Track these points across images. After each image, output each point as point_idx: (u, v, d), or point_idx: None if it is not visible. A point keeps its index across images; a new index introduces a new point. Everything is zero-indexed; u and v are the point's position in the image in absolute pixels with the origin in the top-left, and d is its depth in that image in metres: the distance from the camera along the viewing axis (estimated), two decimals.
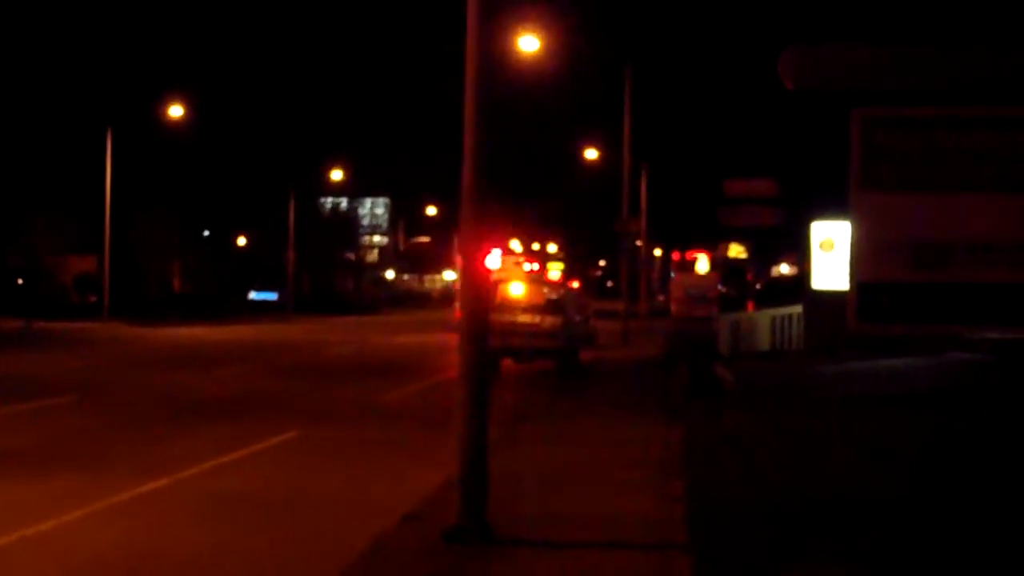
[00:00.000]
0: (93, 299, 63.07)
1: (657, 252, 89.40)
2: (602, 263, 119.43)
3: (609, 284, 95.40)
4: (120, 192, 58.00)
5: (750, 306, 43.41)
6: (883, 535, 9.85)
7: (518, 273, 34.99)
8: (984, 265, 8.25)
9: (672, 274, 66.59)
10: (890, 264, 8.33)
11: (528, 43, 38.27)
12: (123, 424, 19.16)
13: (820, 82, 8.56)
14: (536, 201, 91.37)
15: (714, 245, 68.63)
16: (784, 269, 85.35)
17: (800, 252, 47.94)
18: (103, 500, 12.50)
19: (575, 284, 48.06)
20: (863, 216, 8.44)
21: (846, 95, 8.60)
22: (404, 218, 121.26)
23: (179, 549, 10.68)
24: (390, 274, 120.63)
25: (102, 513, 12.03)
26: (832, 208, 26.11)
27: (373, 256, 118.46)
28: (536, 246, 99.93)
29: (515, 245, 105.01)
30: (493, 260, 42.78)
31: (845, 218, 8.73)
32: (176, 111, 60.17)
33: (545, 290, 33.38)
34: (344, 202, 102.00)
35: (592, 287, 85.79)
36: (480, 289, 10.71)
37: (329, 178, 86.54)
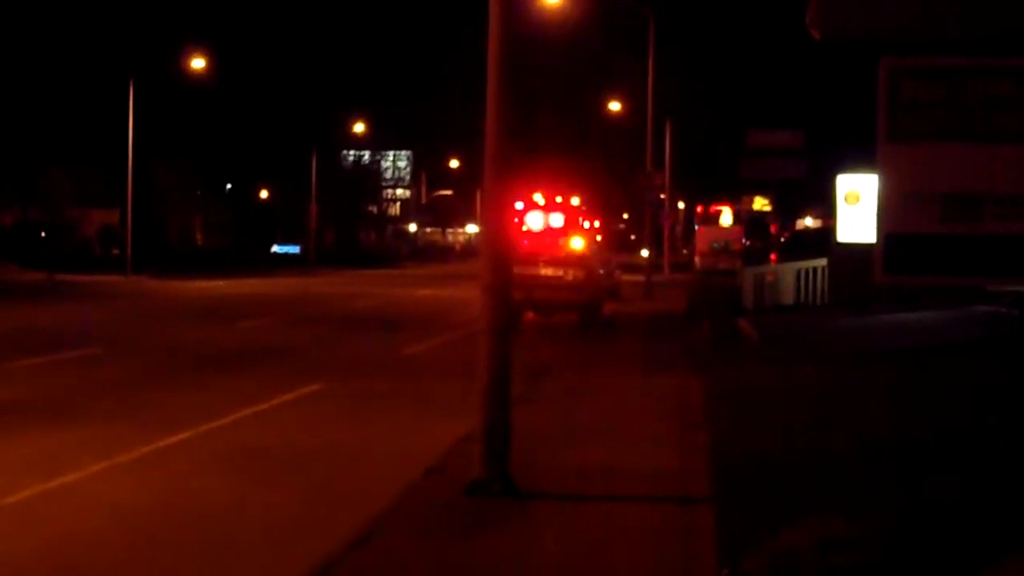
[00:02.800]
0: (116, 252, 63.25)
1: (681, 205, 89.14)
2: (626, 216, 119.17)
3: (632, 238, 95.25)
4: (142, 145, 58.02)
5: (773, 258, 43.28)
6: (905, 487, 9.80)
7: (579, 230, 35.00)
8: (1012, 217, 8.15)
9: (696, 227, 66.56)
10: (917, 216, 8.24)
11: None
12: (146, 377, 19.21)
13: (848, 32, 8.45)
14: (559, 154, 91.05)
15: (738, 198, 68.45)
16: (808, 222, 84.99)
17: (825, 205, 47.74)
18: (126, 453, 12.52)
19: (598, 237, 47.94)
20: (890, 168, 8.34)
21: (874, 45, 8.48)
22: (427, 171, 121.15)
23: (201, 501, 10.69)
24: (412, 227, 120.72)
25: (125, 465, 12.05)
26: (858, 160, 25.92)
27: (395, 209, 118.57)
28: (559, 199, 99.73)
29: (538, 198, 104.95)
30: (557, 219, 42.86)
31: (871, 171, 8.66)
32: (198, 63, 60.13)
33: (571, 242, 33.34)
34: (366, 155, 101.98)
35: (616, 240, 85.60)
36: (503, 242, 10.64)
37: (351, 131, 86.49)
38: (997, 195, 8.15)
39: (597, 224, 51.87)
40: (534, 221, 36.24)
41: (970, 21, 8.15)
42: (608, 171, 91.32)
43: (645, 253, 50.78)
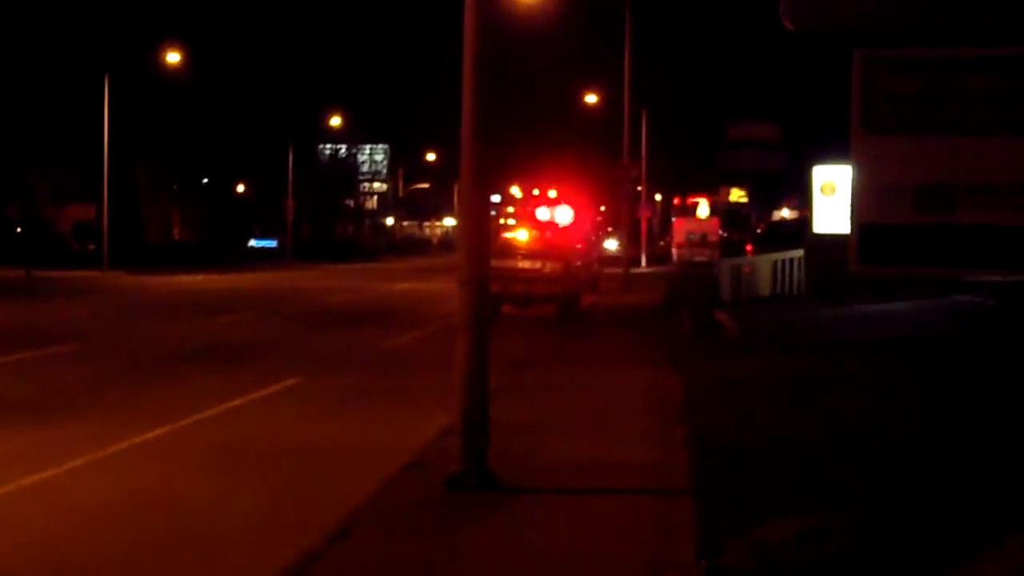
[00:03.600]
0: (92, 247, 63.01)
1: (658, 197, 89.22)
2: (603, 208, 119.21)
3: (609, 229, 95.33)
4: (118, 140, 57.80)
5: (749, 249, 43.42)
6: (882, 478, 9.83)
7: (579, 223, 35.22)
8: (986, 207, 8.18)
9: (673, 219, 66.62)
10: (892, 206, 8.27)
11: None
12: (124, 372, 19.15)
13: (822, 23, 8.45)
14: (536, 145, 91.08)
15: (715, 190, 68.58)
16: (785, 213, 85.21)
17: (801, 196, 47.87)
18: (104, 449, 12.49)
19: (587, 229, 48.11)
20: (864, 158, 8.36)
21: (848, 36, 8.49)
22: (404, 164, 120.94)
23: (180, 497, 10.66)
24: (390, 221, 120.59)
25: (103, 462, 12.01)
26: (833, 151, 26.01)
27: (373, 203, 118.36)
28: (536, 191, 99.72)
29: (515, 191, 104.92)
30: (564, 215, 43.05)
31: (847, 162, 8.65)
32: (173, 57, 59.91)
33: (547, 234, 33.38)
34: (343, 149, 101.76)
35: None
36: (480, 234, 10.63)
37: (328, 125, 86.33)
38: (971, 185, 8.18)
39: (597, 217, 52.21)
40: (543, 214, 36.43)
41: (937, 12, 8.17)
42: (585, 163, 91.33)
43: (613, 245, 50.97)
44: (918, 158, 8.28)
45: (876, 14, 8.24)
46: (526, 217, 34.18)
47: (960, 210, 8.21)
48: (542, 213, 37.69)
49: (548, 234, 33.91)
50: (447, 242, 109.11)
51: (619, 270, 44.57)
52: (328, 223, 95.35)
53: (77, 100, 61.25)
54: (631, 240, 50.79)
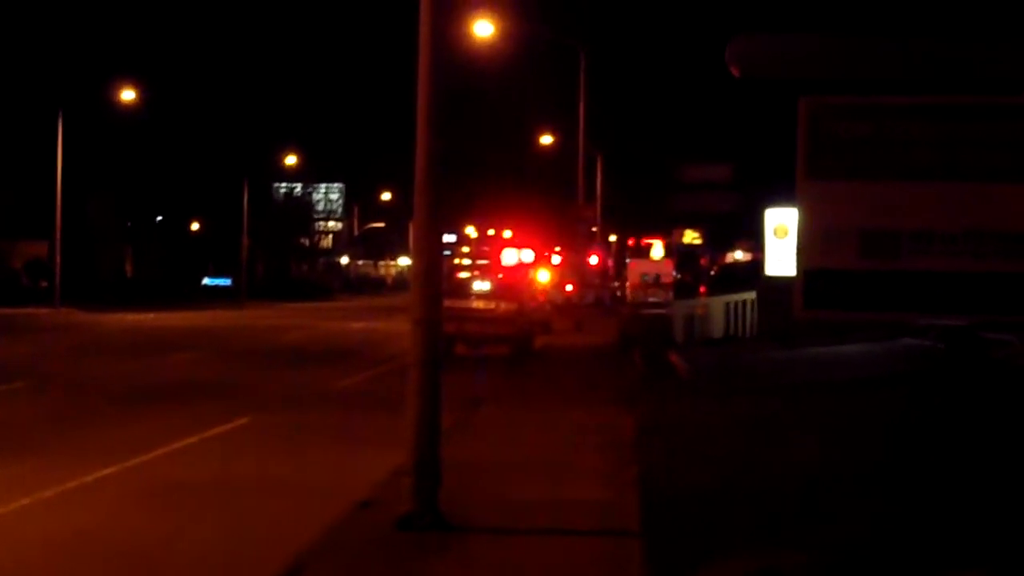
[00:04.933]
0: (44, 284, 62.53)
1: (612, 238, 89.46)
2: (558, 249, 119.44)
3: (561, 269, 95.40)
4: (72, 176, 57.48)
5: (702, 290, 43.64)
6: (833, 519, 9.89)
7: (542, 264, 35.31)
8: (928, 253, 8.30)
9: (627, 260, 66.81)
10: (836, 252, 8.38)
11: (482, 28, 38.23)
12: (73, 411, 19.00)
13: (766, 71, 8.59)
14: (491, 187, 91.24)
15: (669, 231, 68.89)
16: (739, 255, 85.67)
17: (754, 238, 48.19)
18: (51, 488, 12.38)
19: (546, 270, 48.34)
20: (810, 204, 8.48)
21: (794, 83, 8.63)
22: (359, 203, 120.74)
23: (127, 537, 10.59)
24: (344, 260, 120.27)
25: (49, 501, 11.91)
26: (786, 195, 26.21)
27: (328, 242, 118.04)
28: (491, 231, 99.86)
29: (470, 231, 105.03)
30: (529, 256, 43.28)
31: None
32: (128, 95, 59.75)
33: (500, 276, 33.43)
34: (298, 187, 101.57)
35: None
36: (433, 274, 10.66)
37: (283, 163, 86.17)
38: (913, 231, 8.30)
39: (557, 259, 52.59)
40: (509, 257, 36.58)
41: (868, 63, 8.31)
42: (541, 204, 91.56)
43: (569, 288, 51.21)
44: (861, 204, 8.40)
45: (817, 64, 8.39)
46: (487, 257, 34.36)
47: (903, 256, 8.32)
48: (509, 256, 37.89)
49: (501, 275, 33.96)
50: (402, 281, 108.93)
51: (573, 311, 44.67)
52: (283, 262, 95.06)
53: (30, 135, 60.91)
54: (585, 281, 50.92)
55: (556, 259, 45.07)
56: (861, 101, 8.41)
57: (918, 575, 8.05)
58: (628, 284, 63.45)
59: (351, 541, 10.07)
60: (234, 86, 79.79)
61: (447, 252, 69.82)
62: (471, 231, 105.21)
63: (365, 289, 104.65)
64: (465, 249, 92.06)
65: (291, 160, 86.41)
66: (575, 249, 51.08)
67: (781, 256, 28.03)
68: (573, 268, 51.14)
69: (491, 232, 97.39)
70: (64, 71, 63.95)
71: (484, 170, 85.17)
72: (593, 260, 48.54)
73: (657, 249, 64.89)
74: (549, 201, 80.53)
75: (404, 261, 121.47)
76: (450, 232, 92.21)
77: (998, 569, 8.03)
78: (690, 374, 23.26)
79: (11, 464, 13.80)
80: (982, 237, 8.31)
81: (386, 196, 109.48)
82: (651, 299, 52.14)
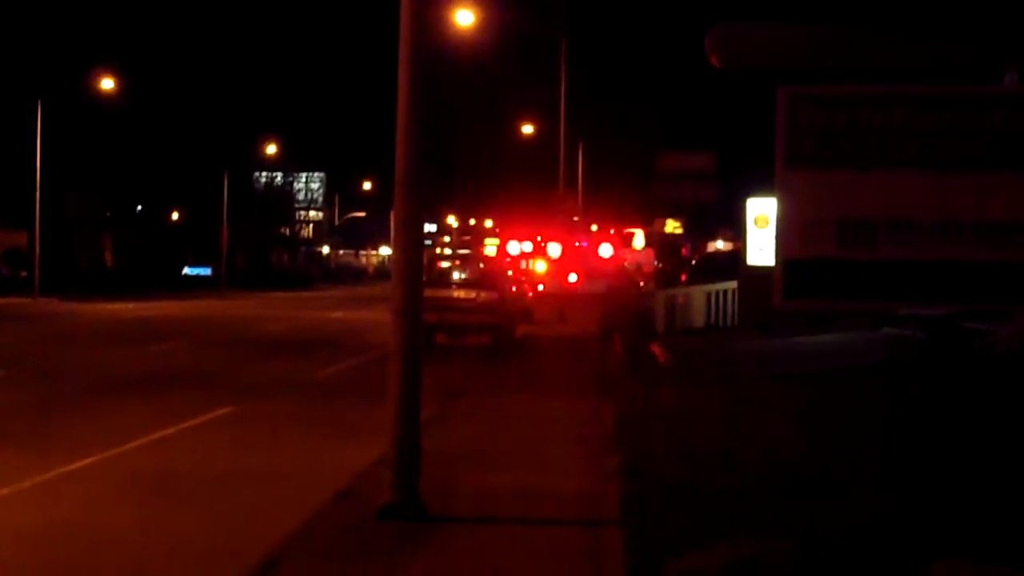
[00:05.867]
0: (23, 274, 62.24)
1: (594, 228, 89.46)
2: (539, 238, 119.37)
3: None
4: (50, 166, 57.22)
5: (683, 277, 43.69)
6: (814, 508, 9.91)
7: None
8: (908, 243, 8.32)
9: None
10: (815, 241, 8.39)
11: (463, 17, 38.17)
12: (53, 401, 18.93)
13: (744, 61, 8.60)
14: (472, 176, 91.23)
15: (650, 220, 68.91)
16: (720, 244, 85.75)
17: (736, 227, 48.25)
18: (29, 478, 12.33)
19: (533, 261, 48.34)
20: (789, 193, 8.49)
21: (775, 72, 8.64)
22: (339, 193, 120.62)
23: (106, 527, 10.56)
24: (325, 249, 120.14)
25: (28, 491, 11.87)
26: (767, 184, 26.26)
27: (308, 231, 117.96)
28: (472, 221, 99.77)
29: (451, 220, 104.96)
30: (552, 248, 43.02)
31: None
32: (107, 84, 59.51)
33: (481, 265, 33.41)
34: (279, 177, 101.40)
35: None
36: (414, 263, 10.64)
37: (264, 153, 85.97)
38: (892, 220, 8.31)
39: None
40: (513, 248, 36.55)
41: (850, 53, 8.33)
42: (523, 193, 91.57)
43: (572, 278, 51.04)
44: (841, 193, 8.41)
45: (796, 54, 8.40)
46: (469, 246, 34.37)
47: (882, 245, 8.34)
48: (512, 248, 37.90)
49: (482, 264, 33.93)
50: (383, 270, 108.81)
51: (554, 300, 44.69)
52: (263, 251, 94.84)
53: (9, 123, 60.62)
54: (592, 273, 50.88)
55: (554, 249, 44.82)
56: (838, 90, 8.42)
57: (899, 564, 8.07)
58: None
59: (331, 531, 10.06)
60: (214, 75, 79.50)
61: (428, 242, 69.82)
62: (452, 221, 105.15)
63: (346, 278, 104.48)
64: (446, 239, 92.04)
65: (272, 149, 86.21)
66: (560, 238, 51.00)
67: (762, 245, 28.06)
68: (576, 258, 50.93)
69: (472, 222, 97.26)
70: (43, 60, 63.66)
71: (465, 159, 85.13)
72: (607, 252, 48.23)
73: (639, 238, 64.94)
74: (530, 190, 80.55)
75: (385, 250, 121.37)
76: (431, 222, 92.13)
77: (980, 557, 8.06)
78: (671, 364, 23.27)
79: None
80: (960, 226, 8.34)
81: (367, 185, 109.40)
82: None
